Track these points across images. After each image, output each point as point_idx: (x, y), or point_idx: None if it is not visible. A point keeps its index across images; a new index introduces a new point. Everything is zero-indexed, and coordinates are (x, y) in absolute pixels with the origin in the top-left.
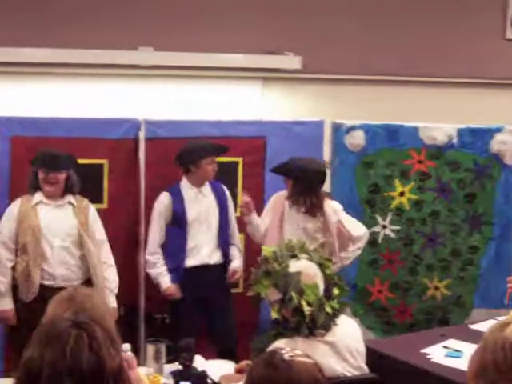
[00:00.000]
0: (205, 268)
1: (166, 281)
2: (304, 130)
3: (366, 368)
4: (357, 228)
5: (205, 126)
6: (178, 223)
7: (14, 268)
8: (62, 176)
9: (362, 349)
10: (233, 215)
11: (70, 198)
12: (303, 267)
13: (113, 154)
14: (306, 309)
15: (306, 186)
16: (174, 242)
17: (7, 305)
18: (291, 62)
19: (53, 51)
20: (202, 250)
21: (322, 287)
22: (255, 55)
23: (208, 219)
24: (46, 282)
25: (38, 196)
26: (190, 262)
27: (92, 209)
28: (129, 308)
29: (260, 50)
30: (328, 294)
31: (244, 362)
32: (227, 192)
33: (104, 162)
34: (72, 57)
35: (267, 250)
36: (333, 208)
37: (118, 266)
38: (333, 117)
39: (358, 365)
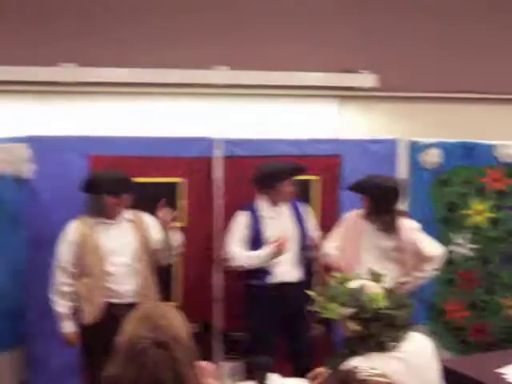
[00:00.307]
0: (283, 286)
1: (265, 250)
2: (380, 148)
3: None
4: (433, 248)
5: (282, 144)
6: (256, 242)
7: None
8: (129, 197)
9: (436, 366)
10: (313, 228)
11: (130, 214)
12: (363, 282)
13: (189, 173)
14: (385, 312)
15: (382, 203)
16: None
17: (70, 327)
18: (367, 80)
19: (130, 71)
20: (280, 268)
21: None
22: (332, 73)
23: (288, 237)
24: (113, 300)
25: (93, 218)
26: (272, 279)
27: (147, 218)
28: (203, 325)
29: (336, 68)
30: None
31: (318, 370)
32: (305, 208)
33: (180, 180)
34: (149, 76)
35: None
36: (409, 227)
37: (192, 283)
38: (408, 135)
39: (430, 381)
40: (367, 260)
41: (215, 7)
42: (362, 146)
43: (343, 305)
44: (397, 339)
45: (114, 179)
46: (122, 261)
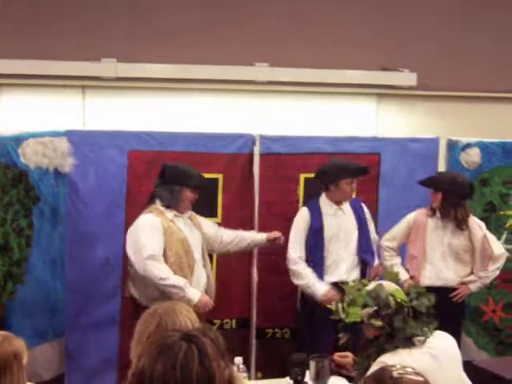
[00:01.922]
0: (342, 285)
1: (320, 287)
2: (419, 147)
3: (468, 382)
4: (498, 247)
5: (320, 141)
6: (315, 238)
7: None
8: None
9: (460, 363)
10: (372, 230)
11: (188, 212)
12: (379, 282)
13: (228, 169)
14: (406, 303)
15: (455, 198)
16: (313, 257)
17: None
18: (406, 78)
19: (171, 67)
20: (340, 266)
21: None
22: (371, 71)
23: (347, 236)
24: None
25: (170, 211)
26: (329, 278)
27: (197, 216)
28: (241, 321)
29: (375, 66)
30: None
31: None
32: (366, 209)
33: (219, 176)
34: (190, 72)
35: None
36: (478, 223)
37: (230, 279)
38: (448, 134)
39: (460, 377)
40: (434, 258)
41: (257, 5)
42: (402, 145)
43: (364, 306)
44: (424, 333)
45: (196, 174)
46: (197, 255)
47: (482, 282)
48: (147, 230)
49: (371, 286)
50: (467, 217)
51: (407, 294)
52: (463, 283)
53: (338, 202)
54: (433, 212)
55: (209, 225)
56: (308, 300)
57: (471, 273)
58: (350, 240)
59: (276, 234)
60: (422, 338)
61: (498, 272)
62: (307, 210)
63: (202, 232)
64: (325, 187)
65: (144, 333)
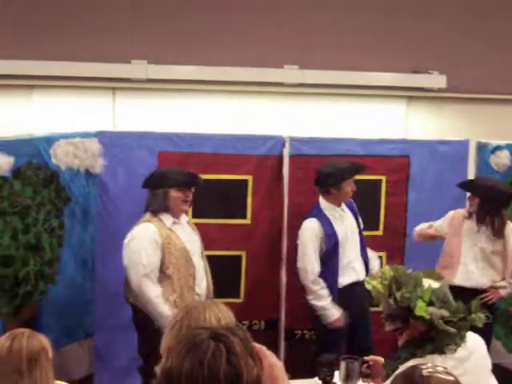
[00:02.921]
0: (358, 284)
1: (334, 313)
2: (449, 149)
3: None
4: None
5: (349, 143)
6: (330, 245)
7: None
8: (191, 195)
9: (490, 365)
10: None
11: (186, 217)
12: (432, 282)
13: (257, 171)
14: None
15: (493, 205)
16: (329, 262)
17: None
18: (436, 80)
19: (201, 69)
20: (355, 266)
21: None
22: (400, 74)
23: (353, 236)
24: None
25: (167, 218)
26: (346, 279)
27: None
28: (270, 323)
29: (405, 68)
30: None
31: (376, 357)
32: (356, 208)
33: (248, 177)
34: (220, 74)
35: (374, 285)
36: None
37: (259, 280)
38: (477, 136)
39: (487, 382)
40: (466, 260)
41: (287, 7)
42: (431, 147)
43: (430, 304)
44: (457, 343)
45: (179, 172)
46: (197, 260)
47: None
48: (145, 243)
49: (433, 283)
50: (504, 225)
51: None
52: (494, 287)
53: (338, 204)
54: (470, 215)
55: None
56: None
57: (503, 279)
58: (355, 239)
59: None
60: (453, 347)
61: None
62: (316, 221)
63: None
64: (325, 191)
65: (171, 324)
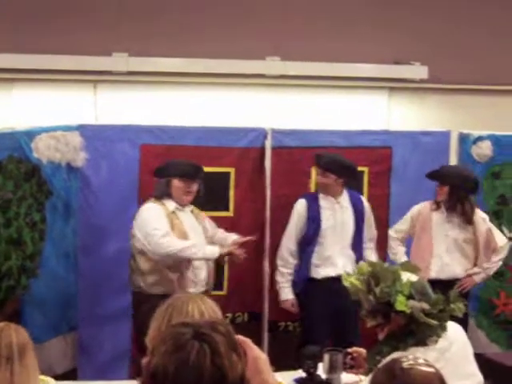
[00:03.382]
0: (339, 280)
1: (286, 294)
2: (431, 140)
3: (479, 374)
4: (501, 238)
5: (331, 135)
6: (311, 230)
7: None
8: (197, 186)
9: (471, 353)
10: (371, 226)
11: (191, 206)
12: (410, 275)
13: (240, 163)
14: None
15: (462, 192)
16: (307, 250)
17: None
18: (418, 71)
19: (183, 61)
20: (336, 261)
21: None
22: (382, 65)
23: (343, 230)
24: (191, 290)
25: (171, 203)
26: (323, 272)
27: (202, 213)
28: (253, 315)
29: (387, 59)
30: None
31: (358, 349)
32: (367, 205)
33: (230, 170)
34: (201, 66)
35: (352, 282)
36: (481, 217)
37: (242, 273)
38: (459, 127)
39: (467, 372)
40: (440, 252)
41: None
42: (413, 138)
43: (409, 297)
44: (439, 333)
45: (183, 163)
46: None
47: (486, 272)
48: (153, 214)
49: (412, 276)
50: (473, 211)
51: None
52: (468, 275)
53: (336, 195)
54: (437, 206)
55: (210, 226)
56: (307, 293)
57: (474, 265)
58: (346, 234)
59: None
60: (435, 339)
61: (501, 263)
62: (304, 202)
63: (204, 227)
64: (345, 181)
65: (154, 316)
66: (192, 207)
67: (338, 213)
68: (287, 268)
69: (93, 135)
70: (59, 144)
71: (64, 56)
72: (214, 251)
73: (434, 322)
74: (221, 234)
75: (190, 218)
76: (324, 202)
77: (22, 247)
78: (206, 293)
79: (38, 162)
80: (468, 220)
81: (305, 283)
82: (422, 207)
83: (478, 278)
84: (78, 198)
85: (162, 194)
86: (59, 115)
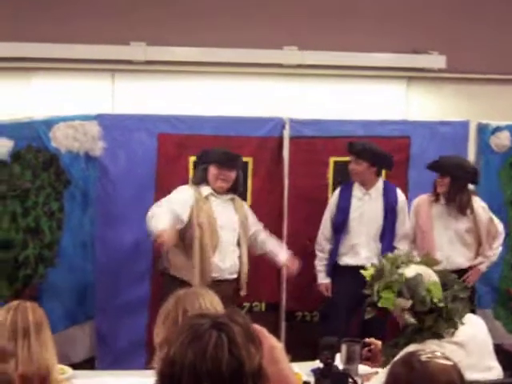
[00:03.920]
0: (362, 269)
1: (321, 277)
2: (449, 130)
3: (498, 366)
4: (499, 223)
5: (350, 125)
6: (340, 219)
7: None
8: (234, 174)
9: (491, 346)
10: (404, 223)
11: (232, 195)
12: (418, 269)
13: (258, 152)
14: (440, 304)
15: (463, 183)
16: (337, 237)
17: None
18: (436, 61)
19: (201, 50)
20: (361, 251)
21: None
22: (400, 54)
23: (370, 221)
24: (213, 274)
25: (206, 189)
26: (347, 260)
27: (246, 206)
28: (270, 305)
29: (405, 49)
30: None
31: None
32: (402, 199)
33: (249, 159)
34: (219, 56)
35: (367, 272)
36: (481, 206)
37: (260, 262)
38: (478, 117)
39: (488, 365)
40: (442, 244)
41: None
42: (431, 128)
43: (399, 295)
44: (454, 327)
45: (221, 152)
46: (227, 237)
47: (490, 260)
48: (175, 192)
49: (410, 271)
50: (470, 200)
51: (444, 288)
52: (473, 266)
53: (369, 186)
54: (436, 197)
55: (253, 222)
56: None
57: (477, 254)
58: (372, 226)
59: (294, 265)
60: (452, 331)
61: (501, 248)
62: (337, 190)
63: (244, 220)
64: (380, 170)
65: (163, 313)
66: (233, 196)
67: (366, 203)
68: (323, 253)
69: (111, 124)
70: (77, 133)
71: (82, 45)
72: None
73: (411, 320)
74: (265, 237)
75: (225, 206)
76: (356, 191)
77: (39, 236)
78: (235, 281)
79: (56, 151)
80: (463, 210)
81: (333, 270)
82: (421, 201)
83: (483, 268)
84: (96, 187)
85: (200, 180)
86: (77, 104)
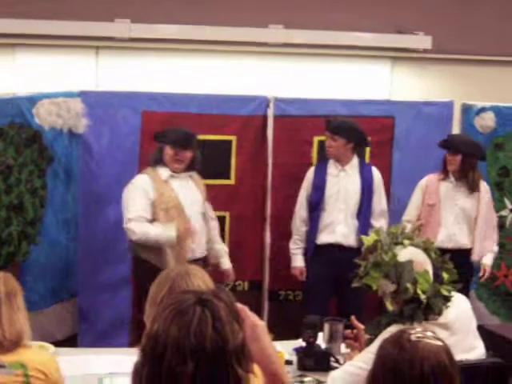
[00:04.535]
0: (339, 248)
1: (295, 260)
2: (433, 110)
3: (482, 347)
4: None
5: (334, 104)
6: (316, 197)
7: None
8: (190, 154)
9: (475, 326)
10: (381, 201)
11: (190, 172)
12: (412, 255)
13: (241, 131)
14: (423, 297)
15: (474, 160)
16: (314, 216)
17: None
18: (421, 41)
19: (186, 28)
20: (337, 229)
21: (431, 273)
22: (385, 34)
23: (347, 198)
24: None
25: (165, 171)
26: (325, 238)
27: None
28: (253, 284)
29: (390, 29)
30: (439, 279)
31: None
32: (378, 176)
33: (233, 138)
34: (204, 34)
35: (368, 239)
36: (486, 188)
37: (243, 241)
38: (462, 98)
39: (471, 344)
40: (448, 222)
41: None
42: (416, 108)
43: (386, 277)
44: (440, 308)
45: (176, 131)
46: (193, 215)
47: (495, 252)
48: (134, 192)
49: (405, 256)
50: (479, 179)
51: (435, 279)
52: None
53: (345, 163)
54: (445, 175)
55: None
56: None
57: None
58: (349, 203)
59: (231, 277)
60: (436, 312)
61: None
62: (312, 168)
63: (203, 194)
64: (357, 148)
65: (157, 295)
66: (191, 173)
67: (342, 180)
68: (299, 235)
69: (94, 102)
70: (61, 110)
71: (66, 21)
72: (171, 236)
73: (390, 307)
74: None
75: (186, 185)
76: (331, 169)
77: (22, 213)
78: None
79: (39, 128)
80: (474, 188)
81: (312, 249)
82: (429, 180)
83: (490, 262)
84: (79, 164)
85: (157, 161)
86: (61, 81)
